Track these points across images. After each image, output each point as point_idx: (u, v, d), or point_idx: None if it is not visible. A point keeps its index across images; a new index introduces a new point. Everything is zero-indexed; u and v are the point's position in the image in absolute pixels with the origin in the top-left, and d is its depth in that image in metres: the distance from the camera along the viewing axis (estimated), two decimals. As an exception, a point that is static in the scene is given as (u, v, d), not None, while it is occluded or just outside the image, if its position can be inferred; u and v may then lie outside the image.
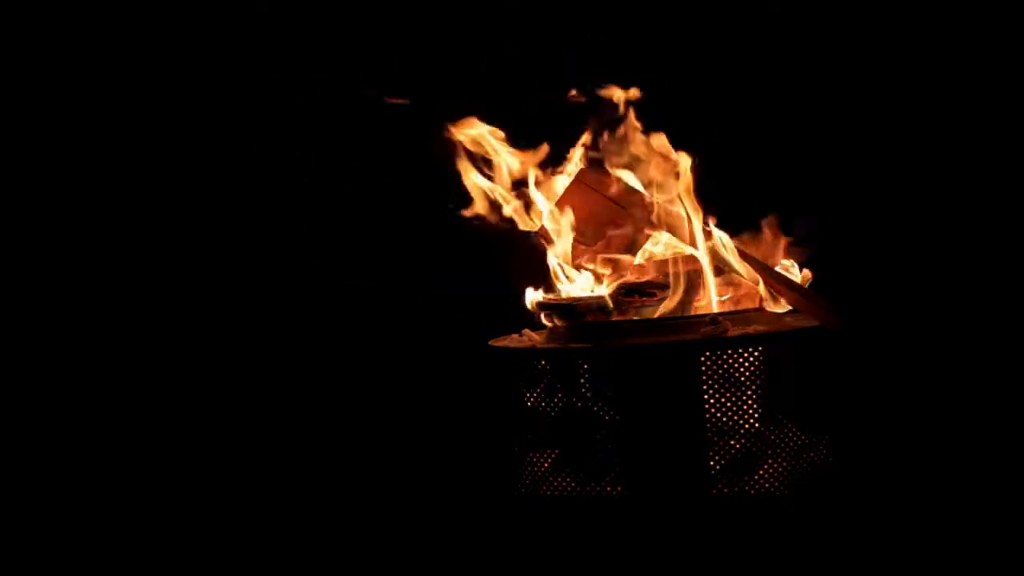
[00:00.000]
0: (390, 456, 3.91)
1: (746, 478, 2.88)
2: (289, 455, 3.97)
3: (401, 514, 3.48)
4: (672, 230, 3.12)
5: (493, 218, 3.27)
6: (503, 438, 3.07)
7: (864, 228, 3.99)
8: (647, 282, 3.09)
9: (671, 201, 3.18)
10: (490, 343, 3.12)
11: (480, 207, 3.28)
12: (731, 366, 2.86)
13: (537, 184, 3.25)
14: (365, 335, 4.22)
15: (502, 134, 3.29)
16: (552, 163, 3.29)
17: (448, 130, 3.29)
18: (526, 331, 3.13)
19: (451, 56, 4.16)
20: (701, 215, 3.12)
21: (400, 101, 3.45)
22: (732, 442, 2.87)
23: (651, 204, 3.14)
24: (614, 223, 3.15)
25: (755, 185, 3.28)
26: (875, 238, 4.00)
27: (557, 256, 3.18)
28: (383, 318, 4.23)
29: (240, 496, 3.71)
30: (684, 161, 3.19)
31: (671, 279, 3.07)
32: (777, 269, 3.09)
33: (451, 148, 3.27)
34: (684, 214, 3.15)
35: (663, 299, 3.06)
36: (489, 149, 3.27)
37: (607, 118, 3.27)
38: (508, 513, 3.08)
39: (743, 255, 3.08)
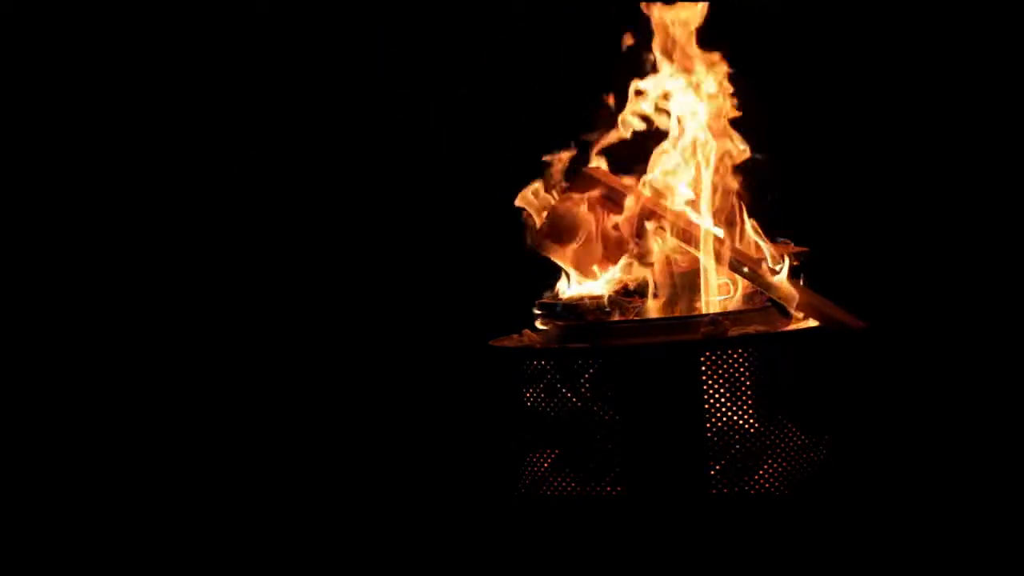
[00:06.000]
0: (390, 456, 3.91)
1: (746, 478, 2.87)
2: (289, 455, 3.97)
3: (401, 514, 3.48)
4: (676, 232, 3.11)
5: None
6: (503, 438, 3.07)
7: (863, 228, 4.00)
8: (647, 283, 3.09)
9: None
10: (490, 343, 3.12)
11: None
12: (731, 366, 2.86)
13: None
14: (365, 335, 4.22)
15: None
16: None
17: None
18: (526, 331, 3.12)
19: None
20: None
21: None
22: (732, 442, 2.87)
23: (655, 204, 3.13)
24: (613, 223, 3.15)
25: (753, 184, 3.27)
26: (874, 238, 4.00)
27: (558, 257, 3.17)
28: (383, 317, 4.23)
29: (239, 496, 3.71)
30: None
31: (667, 279, 3.07)
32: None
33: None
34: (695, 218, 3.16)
35: (660, 299, 3.07)
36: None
37: None
38: (508, 513, 3.08)
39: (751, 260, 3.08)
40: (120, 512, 3.63)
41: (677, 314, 3.06)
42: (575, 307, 3.03)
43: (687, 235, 3.09)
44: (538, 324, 3.09)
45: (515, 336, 3.13)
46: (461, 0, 4.16)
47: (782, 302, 2.99)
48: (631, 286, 3.09)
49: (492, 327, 3.20)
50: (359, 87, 4.23)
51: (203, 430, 4.10)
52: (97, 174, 4.21)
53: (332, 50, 4.22)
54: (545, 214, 3.18)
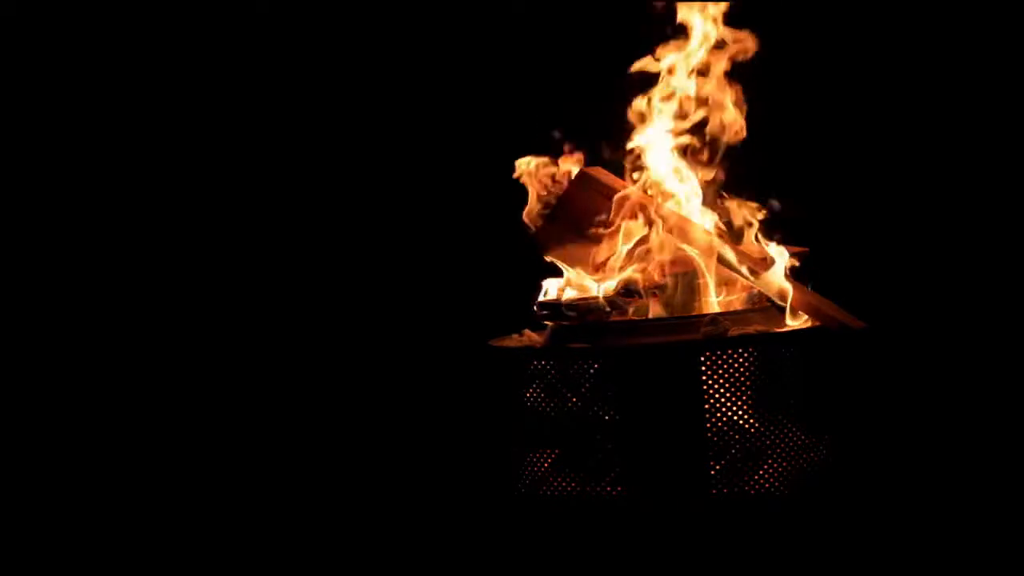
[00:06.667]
0: (390, 456, 3.91)
1: (746, 478, 2.87)
2: (289, 455, 3.97)
3: (401, 514, 3.47)
4: (676, 231, 3.11)
5: None
6: (503, 438, 3.07)
7: (863, 228, 4.00)
8: (647, 283, 3.09)
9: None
10: (490, 343, 3.12)
11: None
12: (731, 366, 2.86)
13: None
14: (365, 335, 4.22)
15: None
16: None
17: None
18: (526, 331, 3.13)
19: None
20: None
21: None
22: (732, 442, 2.87)
23: (655, 204, 3.13)
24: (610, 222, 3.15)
25: (751, 183, 3.28)
26: (874, 238, 4.00)
27: (558, 257, 3.17)
28: (383, 318, 4.23)
29: (239, 497, 3.71)
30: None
31: (668, 279, 3.07)
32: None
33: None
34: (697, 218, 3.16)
35: (660, 299, 3.07)
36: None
37: None
38: (508, 513, 3.08)
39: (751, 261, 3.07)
40: (121, 512, 3.63)
41: (677, 314, 3.06)
42: (575, 307, 3.03)
43: (685, 233, 3.09)
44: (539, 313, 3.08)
45: (515, 336, 3.13)
46: (461, 0, 4.16)
47: (777, 300, 3.00)
48: (631, 286, 3.09)
49: (492, 327, 3.20)
50: (359, 87, 4.23)
51: (204, 431, 4.10)
52: (98, 175, 4.21)
53: (332, 50, 4.22)
54: (549, 205, 3.18)
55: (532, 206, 3.21)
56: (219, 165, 4.23)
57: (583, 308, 3.03)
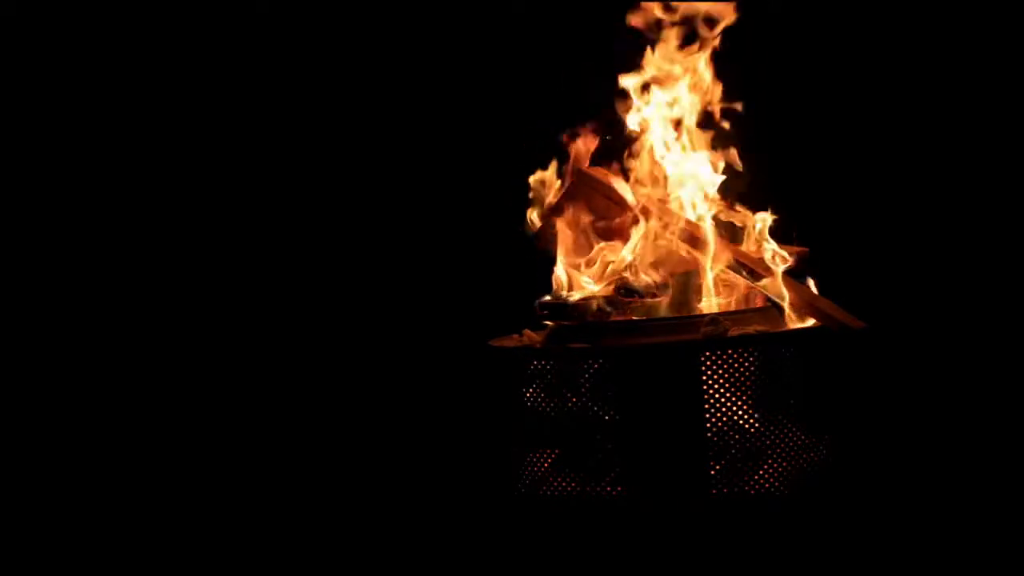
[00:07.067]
0: (390, 456, 3.91)
1: (746, 478, 2.87)
2: (290, 455, 3.97)
3: (401, 514, 3.48)
4: (678, 231, 3.11)
5: None
6: (503, 438, 3.07)
7: (863, 228, 4.00)
8: (647, 283, 3.09)
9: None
10: (490, 343, 3.12)
11: None
12: (731, 366, 2.86)
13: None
14: (365, 335, 4.22)
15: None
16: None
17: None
18: (526, 331, 3.13)
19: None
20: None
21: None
22: (732, 442, 2.87)
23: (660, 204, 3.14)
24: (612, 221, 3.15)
25: (751, 183, 3.28)
26: (874, 238, 4.00)
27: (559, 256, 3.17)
28: (383, 318, 4.23)
29: (240, 496, 3.71)
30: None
31: (668, 279, 3.08)
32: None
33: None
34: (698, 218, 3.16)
35: (661, 299, 3.07)
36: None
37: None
38: (508, 513, 3.08)
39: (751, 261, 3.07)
40: (121, 512, 3.63)
41: (677, 314, 3.06)
42: (575, 307, 3.03)
43: (685, 234, 3.09)
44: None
45: (515, 336, 3.13)
46: (461, 1, 4.16)
47: (776, 300, 3.00)
48: (631, 285, 3.09)
49: (492, 327, 3.20)
50: (359, 88, 4.23)
51: (204, 431, 4.10)
52: (98, 175, 4.21)
53: (332, 50, 4.22)
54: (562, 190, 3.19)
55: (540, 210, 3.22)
56: (219, 166, 4.23)
57: (583, 308, 3.03)
